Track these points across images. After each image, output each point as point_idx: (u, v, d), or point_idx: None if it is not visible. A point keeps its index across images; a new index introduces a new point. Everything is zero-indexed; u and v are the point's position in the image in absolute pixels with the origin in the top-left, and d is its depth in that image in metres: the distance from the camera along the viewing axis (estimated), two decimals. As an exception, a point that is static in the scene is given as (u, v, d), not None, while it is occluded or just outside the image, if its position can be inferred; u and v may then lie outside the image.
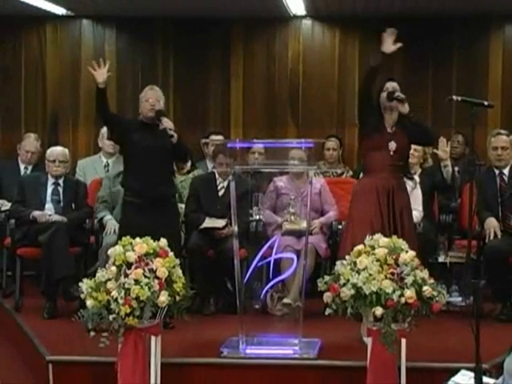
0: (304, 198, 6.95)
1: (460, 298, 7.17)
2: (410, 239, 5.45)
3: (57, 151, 7.36)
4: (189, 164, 8.25)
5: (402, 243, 5.15)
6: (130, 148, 6.33)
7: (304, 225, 5.97)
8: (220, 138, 8.59)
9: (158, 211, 6.17)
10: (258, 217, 6.11)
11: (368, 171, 6.13)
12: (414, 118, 6.03)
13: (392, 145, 5.94)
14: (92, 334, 5.61)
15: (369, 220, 5.86)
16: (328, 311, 5.14)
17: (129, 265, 5.06)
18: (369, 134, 6.05)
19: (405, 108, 5.99)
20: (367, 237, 5.25)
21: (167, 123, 6.20)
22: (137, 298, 4.95)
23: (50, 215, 7.08)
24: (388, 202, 5.93)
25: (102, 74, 6.13)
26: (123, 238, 5.18)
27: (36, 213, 7.10)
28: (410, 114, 6.00)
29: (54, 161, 7.29)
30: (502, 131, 7.31)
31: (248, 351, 5.63)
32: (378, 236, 5.22)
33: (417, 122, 6.07)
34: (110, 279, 5.04)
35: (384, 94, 6.03)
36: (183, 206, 7.56)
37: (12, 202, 7.43)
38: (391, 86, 6.05)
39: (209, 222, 7.07)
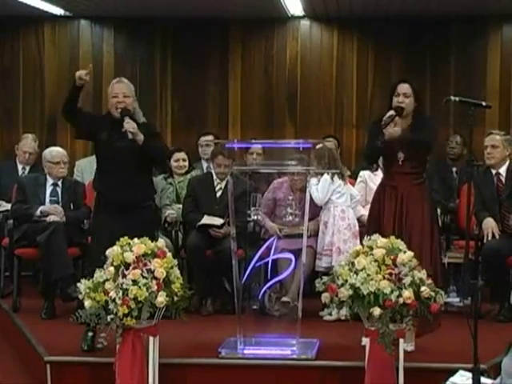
0: (303, 207, 6.94)
1: (458, 299, 7.18)
2: (421, 255, 5.32)
3: (59, 152, 7.34)
4: (186, 164, 8.24)
5: (400, 244, 5.15)
6: (99, 147, 5.94)
7: (302, 227, 5.97)
8: (210, 138, 8.57)
9: (128, 217, 5.71)
10: (255, 217, 6.10)
11: (383, 176, 6.10)
12: (407, 139, 5.69)
13: (400, 155, 5.75)
14: (90, 334, 5.64)
15: (378, 223, 5.80)
16: (326, 312, 5.15)
17: (127, 265, 5.06)
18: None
19: (395, 131, 5.70)
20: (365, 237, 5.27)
21: (128, 124, 5.68)
22: (135, 299, 4.95)
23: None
24: (395, 209, 5.76)
25: (81, 77, 5.72)
26: (121, 239, 5.18)
27: (44, 207, 7.10)
28: (404, 139, 5.69)
29: (58, 162, 7.28)
30: (495, 131, 7.33)
31: (246, 352, 5.63)
32: (376, 236, 5.22)
33: (410, 141, 5.72)
34: (108, 280, 5.04)
35: (395, 99, 5.77)
36: (181, 206, 7.57)
37: (14, 202, 7.37)
38: (402, 88, 5.79)
39: (207, 219, 7.07)
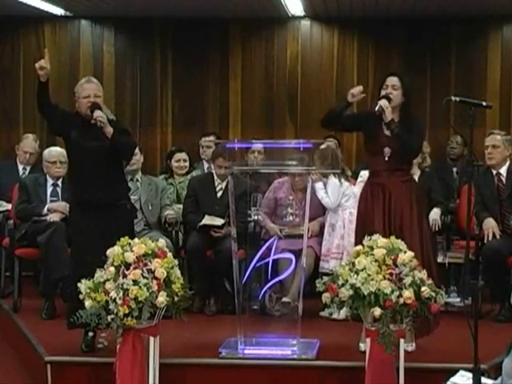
0: (304, 207, 6.94)
1: (458, 299, 7.18)
2: (411, 247, 5.31)
3: (56, 152, 7.33)
4: (187, 164, 8.23)
5: (400, 244, 5.15)
6: (69, 147, 5.91)
7: (303, 228, 5.97)
8: (211, 138, 8.56)
9: (102, 217, 5.70)
10: (256, 217, 6.10)
11: (369, 174, 6.06)
12: (396, 130, 5.68)
13: (386, 150, 5.71)
14: (90, 334, 5.64)
15: (368, 221, 5.78)
16: (327, 312, 5.14)
17: (127, 265, 5.06)
18: (367, 138, 5.88)
19: (385, 117, 5.71)
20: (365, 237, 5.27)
21: (97, 113, 5.63)
22: (135, 299, 4.95)
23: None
24: (384, 207, 5.73)
25: (41, 66, 5.55)
26: (121, 239, 5.18)
27: (50, 204, 7.11)
28: (391, 126, 5.70)
29: (54, 162, 7.28)
30: (496, 131, 7.33)
31: (246, 352, 5.63)
32: (376, 236, 5.21)
33: (398, 134, 5.69)
34: (108, 280, 5.04)
35: (383, 92, 5.80)
36: (181, 206, 7.56)
37: (18, 202, 7.33)
38: (391, 81, 5.83)
39: (208, 219, 7.07)
